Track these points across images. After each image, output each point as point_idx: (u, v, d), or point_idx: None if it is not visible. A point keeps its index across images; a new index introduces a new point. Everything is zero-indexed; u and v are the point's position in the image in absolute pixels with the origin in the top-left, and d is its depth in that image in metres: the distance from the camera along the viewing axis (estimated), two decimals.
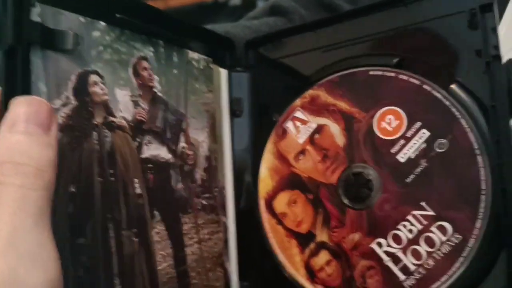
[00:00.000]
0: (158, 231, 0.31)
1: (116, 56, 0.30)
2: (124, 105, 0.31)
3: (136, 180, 0.30)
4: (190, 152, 0.35)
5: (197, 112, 0.36)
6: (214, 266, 0.35)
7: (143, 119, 0.32)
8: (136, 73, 0.32)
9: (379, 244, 0.31)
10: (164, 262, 0.31)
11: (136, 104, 0.31)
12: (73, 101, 0.26)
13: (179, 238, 0.32)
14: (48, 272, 0.20)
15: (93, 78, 0.28)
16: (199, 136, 0.36)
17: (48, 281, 0.20)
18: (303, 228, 0.35)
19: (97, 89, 0.28)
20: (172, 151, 0.33)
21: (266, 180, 0.37)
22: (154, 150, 0.32)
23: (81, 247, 0.26)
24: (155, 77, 0.33)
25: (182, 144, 0.34)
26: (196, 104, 0.36)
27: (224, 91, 0.39)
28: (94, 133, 0.28)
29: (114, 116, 0.30)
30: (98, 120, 0.28)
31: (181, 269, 0.32)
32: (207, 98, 0.37)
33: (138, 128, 0.31)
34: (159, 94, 0.33)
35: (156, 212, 0.31)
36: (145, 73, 0.32)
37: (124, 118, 0.30)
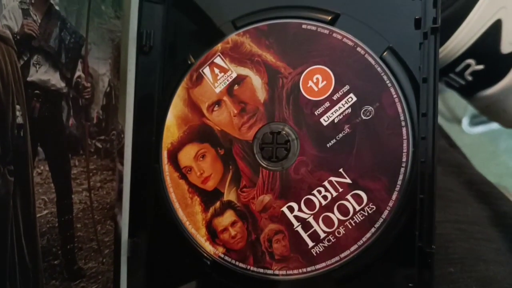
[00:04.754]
0: (40, 172, 0.25)
1: None
2: (10, 11, 0.24)
3: (18, 107, 0.24)
4: (87, 84, 0.29)
5: (100, 39, 0.30)
6: (104, 219, 0.30)
7: (33, 33, 0.26)
8: None
9: (291, 208, 0.30)
10: (45, 209, 0.26)
11: (25, 13, 0.25)
12: None
13: (66, 182, 0.27)
14: None
15: None
16: (100, 67, 0.30)
17: None
18: (209, 185, 0.31)
19: None
20: (66, 79, 0.28)
21: (172, 128, 0.32)
22: (44, 74, 0.26)
23: None
24: None
25: (79, 73, 0.29)
26: (99, 29, 0.30)
27: (134, 21, 0.33)
28: None
29: None
30: None
31: (65, 219, 0.27)
32: (113, 25, 0.32)
33: (25, 44, 0.25)
34: (56, 7, 0.27)
35: (40, 149, 0.25)
36: None
37: (8, 28, 0.24)
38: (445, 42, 0.41)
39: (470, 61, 0.42)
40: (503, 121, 0.47)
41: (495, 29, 0.41)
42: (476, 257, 0.35)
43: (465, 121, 0.91)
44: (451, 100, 0.90)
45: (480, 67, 0.42)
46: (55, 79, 0.27)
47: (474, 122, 0.91)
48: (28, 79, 0.25)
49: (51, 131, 0.26)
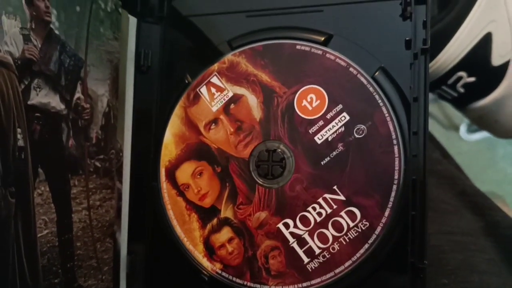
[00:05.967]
0: (41, 193, 0.26)
1: None
2: (12, 37, 0.25)
3: (19, 130, 0.25)
4: (86, 106, 0.30)
5: (98, 61, 0.31)
6: (104, 237, 0.31)
7: (33, 57, 0.26)
8: (30, 2, 0.26)
9: (286, 225, 0.30)
10: (45, 228, 0.26)
11: (26, 38, 0.26)
12: None
13: (66, 202, 0.28)
14: None
15: None
16: (99, 88, 0.31)
17: None
18: (207, 202, 0.32)
19: None
20: (66, 101, 0.28)
21: (169, 146, 0.33)
22: (44, 97, 0.27)
23: None
24: (53, 11, 0.28)
25: (78, 95, 0.29)
26: (98, 51, 0.31)
27: (132, 42, 0.34)
28: None
29: None
30: None
31: (65, 238, 0.27)
32: (111, 46, 0.32)
33: (26, 68, 0.26)
34: (56, 32, 0.28)
35: (40, 170, 0.26)
36: (41, 4, 0.27)
37: (10, 54, 0.25)
38: (437, 55, 0.42)
39: (462, 73, 0.43)
40: (496, 131, 0.48)
41: (486, 42, 0.42)
42: (470, 268, 0.36)
43: (462, 128, 0.92)
44: (448, 107, 0.90)
45: (472, 79, 0.43)
46: (55, 102, 0.27)
47: (471, 129, 0.92)
48: (29, 102, 0.26)
49: (51, 152, 0.27)
